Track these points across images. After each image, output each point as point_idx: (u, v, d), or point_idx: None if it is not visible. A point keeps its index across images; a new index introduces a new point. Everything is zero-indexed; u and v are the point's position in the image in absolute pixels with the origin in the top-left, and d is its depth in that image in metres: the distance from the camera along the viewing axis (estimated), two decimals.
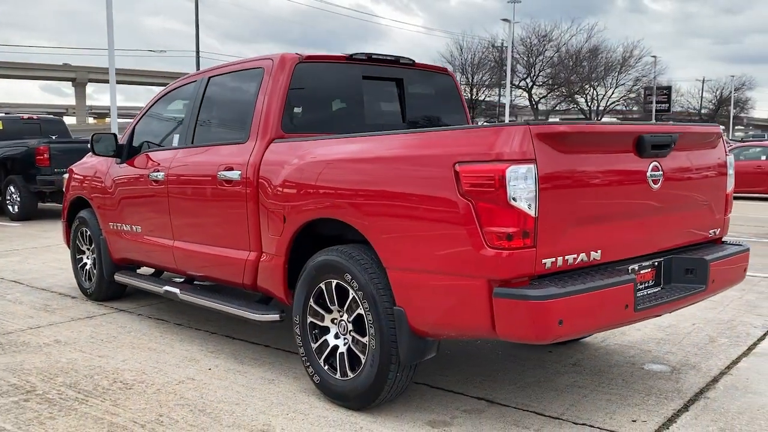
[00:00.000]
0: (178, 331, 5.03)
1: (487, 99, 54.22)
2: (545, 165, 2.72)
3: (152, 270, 5.77)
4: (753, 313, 5.34)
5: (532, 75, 51.55)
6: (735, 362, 4.17)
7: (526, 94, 55.77)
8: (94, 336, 4.91)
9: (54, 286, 6.65)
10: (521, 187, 2.66)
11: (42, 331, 5.05)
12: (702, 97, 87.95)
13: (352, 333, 3.42)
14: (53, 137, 14.10)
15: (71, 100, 76.23)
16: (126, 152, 5.35)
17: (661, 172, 3.21)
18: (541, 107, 58.10)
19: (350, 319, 3.41)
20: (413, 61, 4.71)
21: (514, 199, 2.66)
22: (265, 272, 3.96)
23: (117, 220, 5.43)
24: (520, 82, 54.50)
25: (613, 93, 63.41)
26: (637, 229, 3.19)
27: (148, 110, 5.40)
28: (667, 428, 3.21)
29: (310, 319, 3.64)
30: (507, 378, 3.91)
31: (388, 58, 4.56)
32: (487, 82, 53.82)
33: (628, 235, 3.15)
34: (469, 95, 52.92)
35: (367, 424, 3.29)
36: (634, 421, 3.29)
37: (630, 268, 3.17)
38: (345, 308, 3.43)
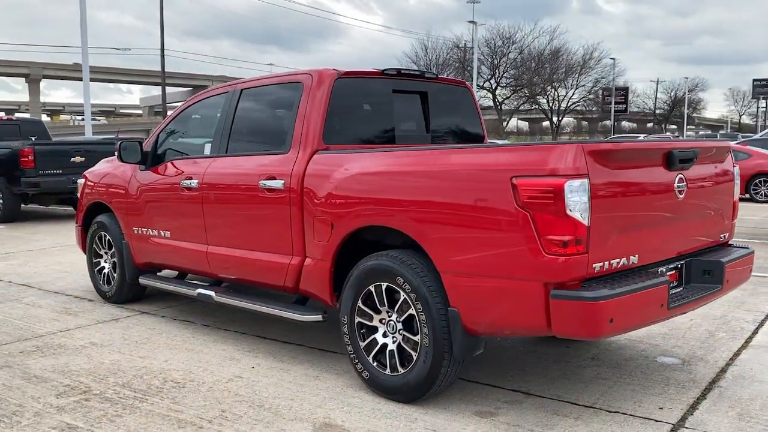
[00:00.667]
0: (208, 332, 5.23)
1: None
2: (595, 179, 3.04)
3: (175, 273, 5.94)
4: (742, 309, 5.77)
5: (496, 76, 52.35)
6: (737, 354, 4.56)
7: (490, 95, 56.61)
8: (127, 338, 5.07)
9: (66, 289, 6.76)
10: (576, 199, 2.97)
11: (73, 333, 5.19)
12: (656, 97, 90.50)
13: (402, 332, 3.69)
14: (32, 138, 14.00)
15: (21, 96, 74.43)
16: (150, 160, 5.52)
17: (684, 184, 3.56)
18: (505, 107, 59.04)
19: (400, 319, 3.69)
20: (436, 74, 5.00)
21: (570, 210, 2.97)
22: (309, 276, 4.21)
23: (142, 225, 5.60)
24: (484, 83, 55.31)
25: (573, 94, 64.89)
26: (665, 235, 3.54)
27: (173, 119, 5.58)
28: (692, 414, 3.56)
29: (358, 319, 3.90)
30: (535, 372, 4.23)
31: (415, 72, 4.84)
32: None
33: (658, 240, 3.49)
34: None
35: (419, 415, 3.57)
36: (661, 408, 3.63)
37: (659, 270, 3.51)
38: (395, 309, 3.70)
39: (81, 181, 6.55)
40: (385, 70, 4.64)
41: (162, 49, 40.44)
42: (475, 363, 4.33)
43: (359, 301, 3.88)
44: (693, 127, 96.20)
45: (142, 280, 5.76)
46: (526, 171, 3.08)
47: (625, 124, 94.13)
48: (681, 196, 3.55)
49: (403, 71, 4.73)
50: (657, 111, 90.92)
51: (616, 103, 70.86)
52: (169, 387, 4.04)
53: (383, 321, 3.82)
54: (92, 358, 4.59)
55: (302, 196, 4.18)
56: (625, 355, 4.55)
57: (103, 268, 6.25)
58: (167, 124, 5.59)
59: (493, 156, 3.26)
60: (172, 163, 5.34)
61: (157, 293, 6.30)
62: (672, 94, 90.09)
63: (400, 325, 3.72)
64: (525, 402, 3.74)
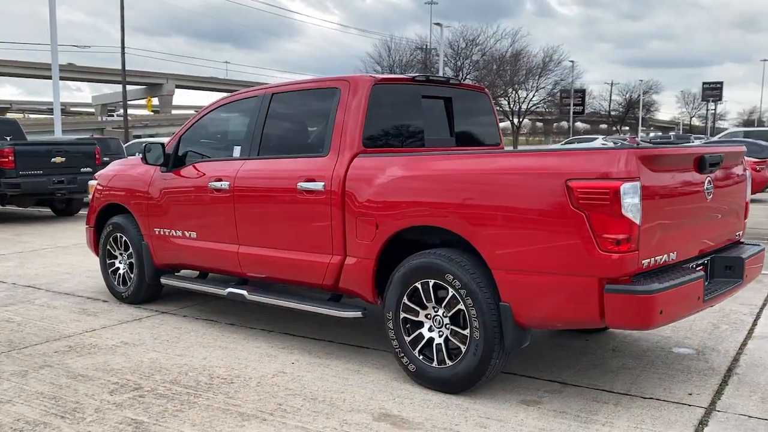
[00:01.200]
0: (235, 330, 5.34)
1: None
2: (644, 181, 3.29)
3: (195, 273, 6.03)
4: (737, 303, 6.12)
5: (460, 77, 52.95)
6: (744, 344, 4.89)
7: None
8: (157, 337, 5.16)
9: (76, 290, 6.77)
10: (629, 200, 3.22)
11: (100, 333, 5.25)
12: (611, 99, 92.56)
13: (450, 326, 3.89)
14: (7, 138, 13.76)
15: None
16: (172, 162, 5.61)
17: (712, 186, 3.85)
18: None
19: (448, 314, 3.89)
20: (460, 80, 5.22)
21: (625, 210, 3.21)
22: (351, 274, 4.37)
23: (165, 226, 5.67)
24: None
25: (534, 96, 66.05)
26: (695, 234, 3.82)
27: (195, 122, 5.67)
28: (719, 399, 3.85)
29: (403, 315, 4.09)
30: (564, 363, 4.48)
31: (441, 78, 5.05)
32: None
33: (691, 238, 3.77)
34: None
35: (470, 405, 3.78)
36: (690, 394, 3.91)
37: (691, 266, 3.79)
38: (443, 305, 3.90)
39: (92, 182, 6.57)
40: (415, 76, 4.83)
41: (123, 47, 39.84)
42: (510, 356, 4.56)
43: (405, 298, 4.06)
44: (644, 128, 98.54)
45: (164, 280, 5.84)
46: (580, 174, 3.31)
47: (579, 125, 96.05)
48: (709, 198, 3.83)
49: (430, 77, 4.93)
50: (612, 113, 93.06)
51: (574, 104, 72.47)
52: (218, 383, 4.16)
53: (429, 316, 4.02)
54: (130, 357, 4.67)
55: (343, 198, 4.35)
56: (643, 347, 4.83)
57: (118, 269, 6.29)
58: (189, 127, 5.68)
59: (547, 160, 3.49)
60: (197, 165, 5.44)
61: (172, 293, 6.37)
62: (627, 96, 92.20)
63: (447, 320, 3.92)
64: (564, 391, 3.98)
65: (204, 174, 5.33)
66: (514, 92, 61.65)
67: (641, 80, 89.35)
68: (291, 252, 4.73)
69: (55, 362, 4.57)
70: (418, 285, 3.99)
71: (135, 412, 3.71)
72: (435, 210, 3.87)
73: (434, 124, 5.02)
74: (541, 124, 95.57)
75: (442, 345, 3.94)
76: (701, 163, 3.72)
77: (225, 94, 6.32)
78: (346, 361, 4.55)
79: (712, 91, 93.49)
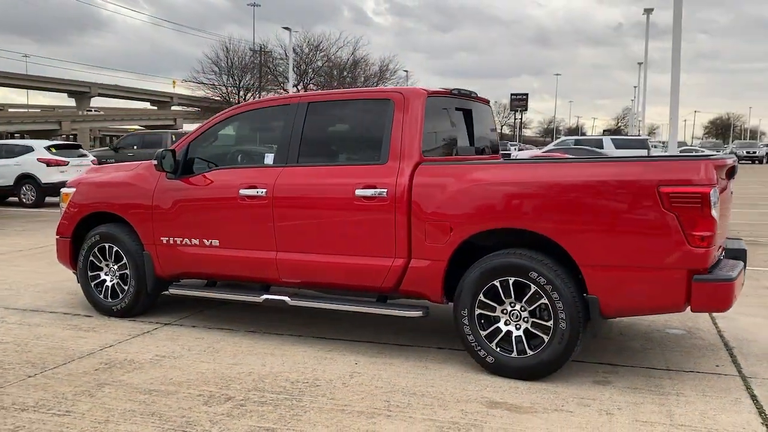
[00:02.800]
0: (263, 337, 5.33)
1: None
2: (718, 186, 3.93)
3: (201, 281, 5.88)
4: None
5: (304, 82, 53.23)
6: (715, 324, 5.77)
7: None
8: (191, 348, 5.03)
9: (41, 306, 6.30)
10: (713, 202, 3.83)
11: (123, 348, 5.02)
12: None
13: (530, 319, 4.29)
14: None
15: None
16: (182, 168, 5.48)
17: (730, 189, 4.61)
18: None
19: (529, 308, 4.29)
20: (476, 94, 5.64)
21: (712, 211, 3.81)
22: (418, 276, 4.62)
23: (175, 234, 5.51)
24: (292, 89, 55.90)
25: None
26: (724, 230, 4.55)
27: (207, 130, 5.57)
28: (741, 368, 4.59)
29: (479, 311, 4.42)
30: (596, 349, 5.03)
31: (467, 92, 5.43)
32: (256, 86, 54.49)
33: (722, 234, 4.49)
34: (238, 99, 53.08)
35: (555, 388, 4.20)
36: (718, 365, 4.63)
37: (722, 257, 4.51)
38: (524, 300, 4.29)
39: (68, 190, 6.15)
40: (452, 89, 5.18)
41: None
42: None
43: (481, 295, 4.40)
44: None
45: (175, 291, 5.65)
46: (671, 181, 3.87)
47: None
48: (729, 199, 4.59)
49: (461, 91, 5.31)
50: None
51: None
52: (305, 387, 4.23)
53: (505, 311, 4.39)
54: (184, 370, 4.55)
55: (409, 204, 4.59)
56: (641, 330, 5.54)
57: (104, 281, 5.96)
58: (200, 135, 5.57)
59: (637, 168, 4.01)
60: (219, 172, 5.37)
61: (159, 304, 6.14)
62: None
63: (526, 314, 4.31)
64: (619, 371, 4.53)
65: (230, 181, 5.27)
66: None
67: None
68: (344, 256, 4.86)
69: (110, 380, 4.35)
70: (497, 283, 4.35)
71: (255, 421, 3.71)
72: (521, 214, 4.25)
73: (463, 134, 5.39)
74: None
75: (522, 337, 4.33)
76: (732, 171, 4.45)
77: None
78: (404, 360, 4.78)
79: (519, 102, 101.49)
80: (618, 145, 26.35)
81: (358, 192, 4.74)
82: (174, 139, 21.65)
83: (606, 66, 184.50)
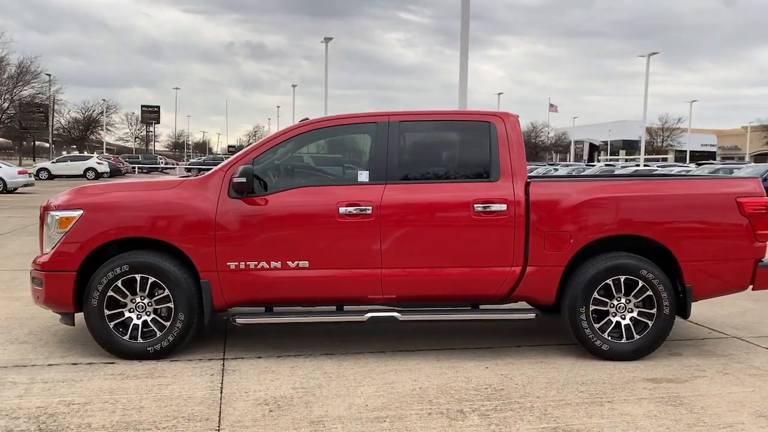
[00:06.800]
0: (361, 357, 5.19)
1: None
2: None
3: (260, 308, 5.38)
4: None
5: None
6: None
7: None
8: (297, 386, 4.65)
9: (36, 359, 5.02)
10: None
11: (242, 386, 4.49)
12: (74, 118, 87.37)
13: (637, 309, 5.19)
14: None
15: None
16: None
17: None
18: None
19: (637, 300, 5.18)
20: None
21: None
22: (536, 281, 5.15)
23: (249, 258, 5.03)
24: None
25: (8, 107, 60.63)
26: None
27: (271, 148, 5.24)
28: (754, 343, 6.07)
29: (593, 307, 5.17)
30: None
31: None
32: None
33: None
34: None
35: (647, 364, 5.12)
36: (747, 350, 6.09)
37: None
38: (632, 294, 5.17)
39: (70, 213, 5.04)
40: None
41: None
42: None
43: (595, 293, 5.16)
44: (101, 152, 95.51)
45: (245, 320, 5.12)
46: (744, 194, 5.18)
47: (45, 144, 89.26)
48: None
49: None
50: (72, 133, 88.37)
51: (42, 120, 67.74)
52: (492, 392, 4.46)
53: (613, 305, 5.21)
54: (345, 399, 4.35)
55: (527, 216, 5.11)
56: None
57: (128, 320, 5.07)
58: (263, 153, 5.20)
59: (721, 183, 5.24)
60: (305, 190, 5.13)
61: None
62: (87, 114, 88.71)
63: (631, 305, 5.20)
64: (674, 345, 5.68)
65: (323, 199, 5.08)
66: None
67: (104, 99, 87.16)
68: (459, 268, 5.12)
69: (306, 418, 3.98)
70: (610, 281, 5.15)
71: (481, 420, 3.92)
72: (635, 223, 5.13)
73: None
74: (9, 140, 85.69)
75: (630, 325, 5.20)
76: None
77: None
78: (528, 359, 5.20)
79: (150, 114, 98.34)
80: None
81: (477, 207, 5.08)
82: None
83: (219, 83, 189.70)
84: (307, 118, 5.65)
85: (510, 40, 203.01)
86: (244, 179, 4.94)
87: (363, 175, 5.22)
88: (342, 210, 5.05)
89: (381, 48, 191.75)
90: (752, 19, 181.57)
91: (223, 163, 5.29)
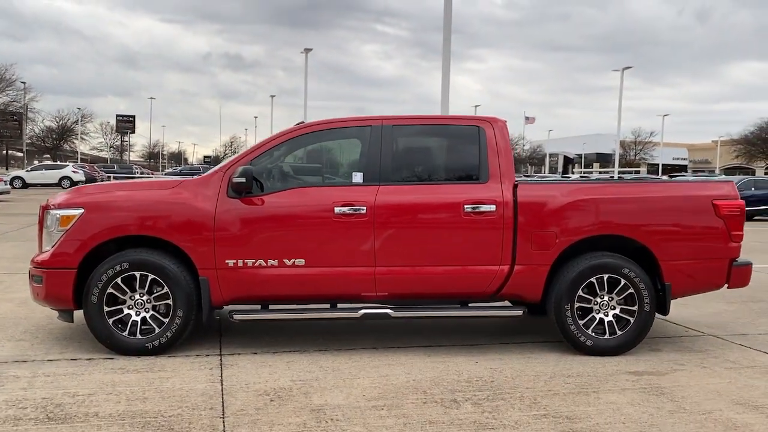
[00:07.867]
0: (357, 353, 5.37)
1: None
2: None
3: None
4: None
5: None
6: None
7: None
8: (296, 378, 4.87)
9: (33, 355, 5.11)
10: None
11: (240, 378, 4.64)
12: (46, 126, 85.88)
13: (619, 306, 5.42)
14: None
15: None
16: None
17: None
18: None
19: (619, 298, 5.42)
20: None
21: (743, 217, 5.49)
22: (522, 279, 5.36)
23: (247, 256, 5.18)
24: None
25: None
26: None
27: (270, 149, 5.41)
28: (729, 340, 6.35)
29: (578, 304, 5.39)
30: None
31: None
32: None
33: None
34: None
35: (629, 358, 5.36)
36: (741, 344, 6.35)
37: None
38: (614, 291, 5.40)
39: (71, 211, 5.15)
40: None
41: None
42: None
43: (579, 291, 5.38)
44: (77, 162, 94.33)
45: (242, 316, 5.26)
46: (719, 197, 5.45)
47: (17, 153, 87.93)
48: None
49: None
50: (48, 143, 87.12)
51: (8, 128, 66.83)
52: (481, 383, 4.65)
53: (596, 302, 5.44)
54: (343, 390, 4.52)
55: (515, 217, 5.33)
56: None
57: (126, 317, 5.18)
58: (261, 155, 5.37)
59: (697, 187, 5.50)
60: (301, 191, 5.30)
61: None
62: (61, 123, 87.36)
63: (614, 303, 5.43)
64: (658, 340, 5.93)
65: (318, 199, 5.25)
66: None
67: (79, 108, 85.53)
68: (450, 266, 5.32)
69: (306, 406, 4.13)
70: (594, 279, 5.38)
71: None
72: (618, 224, 5.37)
73: None
74: None
75: (613, 321, 5.43)
76: None
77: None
78: (515, 354, 5.40)
79: (125, 124, 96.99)
80: None
81: (467, 208, 5.29)
82: None
83: (195, 93, 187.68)
84: (302, 122, 5.85)
85: (486, 53, 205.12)
86: (243, 179, 5.09)
87: (357, 177, 5.40)
88: (337, 210, 5.22)
89: (358, 60, 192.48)
90: (724, 37, 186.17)
91: (223, 164, 5.45)
